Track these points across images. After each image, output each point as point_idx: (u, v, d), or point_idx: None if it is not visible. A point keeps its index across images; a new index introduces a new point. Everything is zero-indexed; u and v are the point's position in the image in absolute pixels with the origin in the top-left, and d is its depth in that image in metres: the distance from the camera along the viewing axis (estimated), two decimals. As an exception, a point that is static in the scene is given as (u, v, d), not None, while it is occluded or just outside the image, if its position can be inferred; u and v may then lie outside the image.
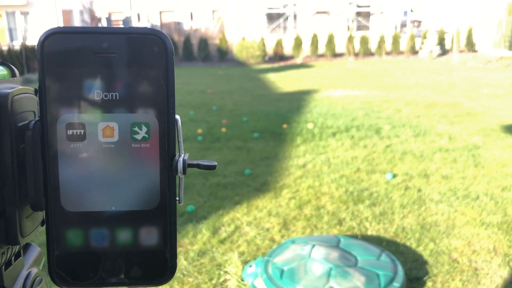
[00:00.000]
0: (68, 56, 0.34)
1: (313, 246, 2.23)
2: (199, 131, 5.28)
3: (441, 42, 16.51)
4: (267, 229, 2.76)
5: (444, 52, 16.46)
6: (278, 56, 16.30)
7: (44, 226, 0.36)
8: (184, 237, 2.63)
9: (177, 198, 0.37)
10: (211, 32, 21.03)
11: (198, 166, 0.38)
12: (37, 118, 0.35)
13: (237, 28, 19.89)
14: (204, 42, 16.27)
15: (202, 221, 2.85)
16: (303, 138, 4.95)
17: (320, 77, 11.25)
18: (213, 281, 2.20)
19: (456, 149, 4.45)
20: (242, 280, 2.20)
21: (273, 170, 3.92)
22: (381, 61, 15.60)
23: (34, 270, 0.41)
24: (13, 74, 0.38)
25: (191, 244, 2.56)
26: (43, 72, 0.34)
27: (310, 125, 5.45)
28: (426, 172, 3.79)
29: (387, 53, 16.85)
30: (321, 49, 16.82)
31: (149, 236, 0.36)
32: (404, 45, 17.14)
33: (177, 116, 0.36)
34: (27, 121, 0.35)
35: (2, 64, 0.38)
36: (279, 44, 16.34)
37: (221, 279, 2.22)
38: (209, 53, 16.38)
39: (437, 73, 11.62)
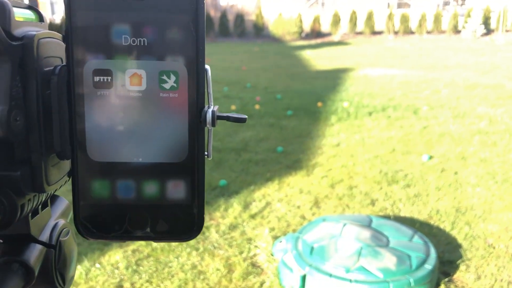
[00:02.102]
0: (95, 0, 0.33)
1: (344, 224, 2.21)
2: (233, 107, 5.28)
3: (486, 21, 15.85)
4: (298, 207, 2.75)
5: (488, 31, 15.81)
6: (315, 33, 16.04)
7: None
8: (216, 211, 2.66)
9: (206, 152, 0.36)
10: (247, 8, 20.84)
11: (228, 118, 0.36)
12: (63, 64, 0.34)
13: (274, 3, 19.64)
14: (240, 18, 16.16)
15: (233, 196, 2.87)
16: (337, 117, 4.89)
17: (358, 55, 11.03)
18: (243, 255, 2.22)
19: (496, 132, 4.30)
20: (272, 255, 2.21)
21: (306, 148, 3.90)
22: (421, 40, 15.14)
23: (61, 222, 0.41)
24: (41, 19, 0.38)
25: (222, 218, 2.59)
26: (69, 15, 0.33)
27: (345, 104, 5.37)
28: (464, 155, 3.68)
29: (428, 32, 16.32)
30: (360, 26, 16.44)
31: (176, 189, 0.35)
32: (446, 24, 16.54)
33: (207, 66, 0.35)
34: (52, 67, 0.34)
35: (30, 8, 0.37)
36: (316, 20, 16.06)
37: (251, 253, 2.24)
38: (245, 29, 16.28)
39: (480, 53, 11.20)
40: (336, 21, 15.93)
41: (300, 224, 2.51)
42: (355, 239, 2.07)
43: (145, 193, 0.35)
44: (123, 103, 0.34)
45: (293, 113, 5.06)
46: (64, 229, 0.41)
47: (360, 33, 16.38)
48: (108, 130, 0.34)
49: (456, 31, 16.29)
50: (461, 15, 16.88)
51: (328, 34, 16.18)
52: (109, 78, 0.34)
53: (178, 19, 0.34)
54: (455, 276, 2.07)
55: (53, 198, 0.43)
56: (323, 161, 3.56)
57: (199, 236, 2.37)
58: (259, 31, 16.23)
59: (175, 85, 0.34)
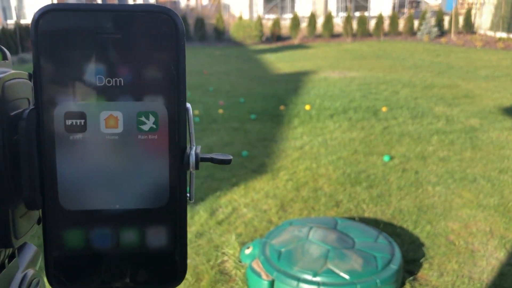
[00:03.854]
0: (66, 36, 0.30)
1: (311, 228, 2.23)
2: (196, 112, 5.25)
3: (439, 23, 16.38)
4: (265, 211, 2.76)
5: (442, 33, 16.34)
6: (276, 37, 16.15)
7: (41, 225, 0.34)
8: (182, 219, 2.63)
9: (188, 195, 0.34)
10: (207, 11, 20.79)
11: (212, 160, 0.35)
12: (31, 107, 0.32)
13: (234, 7, 19.68)
14: (200, 21, 16.09)
15: (199, 203, 2.84)
16: (300, 119, 4.93)
17: (318, 58, 11.17)
18: (211, 263, 2.20)
19: (453, 131, 4.45)
20: (240, 262, 2.20)
21: (270, 151, 3.91)
22: (379, 42, 15.50)
23: (30, 272, 0.38)
24: (4, 57, 0.35)
25: (188, 226, 2.56)
26: (38, 54, 0.31)
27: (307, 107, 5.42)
28: (424, 154, 3.78)
29: (385, 34, 16.72)
30: (319, 29, 16.67)
31: (157, 236, 0.34)
32: (402, 26, 17.00)
33: (188, 105, 0.34)
34: (20, 110, 0.32)
35: None
36: (276, 24, 16.18)
37: (219, 261, 2.23)
38: (205, 33, 16.21)
39: (435, 54, 11.57)
40: (295, 24, 16.07)
41: (267, 229, 2.51)
42: (322, 242, 2.09)
43: (123, 242, 0.33)
44: (98, 147, 0.32)
45: (256, 116, 5.08)
46: (34, 280, 0.38)
47: (319, 36, 16.59)
48: (82, 177, 0.32)
49: (412, 33, 16.75)
50: (416, 18, 17.38)
51: (288, 38, 16.31)
52: (83, 121, 0.31)
53: (157, 57, 0.32)
54: (419, 274, 2.12)
55: (20, 245, 0.39)
56: (288, 164, 3.58)
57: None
58: (220, 35, 16.19)
59: (154, 126, 0.32)
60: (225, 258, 2.25)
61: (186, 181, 0.34)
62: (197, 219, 2.63)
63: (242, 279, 2.07)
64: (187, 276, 2.08)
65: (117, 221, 0.33)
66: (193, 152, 0.33)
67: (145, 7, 0.31)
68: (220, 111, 5.35)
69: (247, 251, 2.21)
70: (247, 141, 4.19)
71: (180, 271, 0.35)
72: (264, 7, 20.32)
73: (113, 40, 0.31)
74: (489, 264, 2.21)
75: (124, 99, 0.32)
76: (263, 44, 15.44)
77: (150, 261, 0.34)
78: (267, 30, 16.46)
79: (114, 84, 0.31)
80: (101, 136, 0.32)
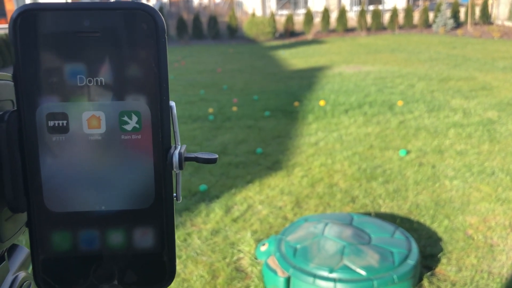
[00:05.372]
0: (45, 36, 0.30)
1: (326, 224, 2.22)
2: (210, 110, 5.26)
3: (455, 15, 16.14)
4: (280, 208, 2.75)
5: (458, 25, 16.10)
6: (289, 33, 16.08)
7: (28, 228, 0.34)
8: (197, 216, 2.64)
9: (175, 195, 0.34)
10: (220, 9, 20.80)
11: (197, 159, 0.34)
12: (14, 108, 0.32)
13: (247, 4, 19.66)
14: (213, 19, 16.10)
15: (214, 200, 2.85)
16: (315, 115, 4.91)
17: (332, 53, 11.10)
18: (227, 260, 2.20)
19: (470, 124, 4.38)
20: (256, 259, 2.20)
21: (285, 148, 3.90)
22: (393, 35, 15.33)
23: (22, 274, 0.38)
24: None
25: (204, 223, 2.57)
26: (17, 55, 0.30)
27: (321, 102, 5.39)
28: (440, 148, 3.74)
29: (400, 27, 16.53)
30: (333, 24, 16.56)
31: (144, 237, 0.33)
32: (417, 19, 16.79)
33: (172, 103, 0.33)
34: (1, 112, 0.32)
35: None
36: (289, 20, 16.11)
37: (235, 258, 2.23)
38: (218, 31, 16.22)
39: (451, 46, 11.40)
40: (309, 20, 15.98)
41: (282, 225, 2.51)
42: (338, 238, 2.07)
43: (110, 243, 0.33)
44: (82, 148, 0.32)
45: (270, 113, 5.07)
46: (25, 282, 0.38)
47: (333, 31, 16.48)
48: (67, 178, 0.32)
49: (427, 25, 16.53)
50: (431, 10, 17.15)
51: (302, 33, 16.23)
52: (65, 122, 0.31)
53: (137, 55, 0.31)
54: (437, 270, 2.09)
55: (11, 248, 0.40)
56: (303, 160, 3.57)
57: (181, 244, 2.34)
58: (233, 32, 16.19)
59: (137, 126, 0.32)
60: (241, 255, 2.25)
61: (172, 181, 0.34)
62: (212, 216, 2.64)
63: (258, 276, 2.07)
64: (203, 273, 2.09)
65: (103, 222, 0.33)
66: (176, 152, 0.33)
67: (123, 4, 0.31)
68: (234, 108, 5.35)
69: (263, 248, 2.21)
70: (261, 138, 4.19)
71: (168, 272, 0.35)
72: (277, 3, 20.24)
73: (92, 39, 0.31)
74: (509, 258, 2.17)
75: (105, 99, 0.32)
76: (276, 41, 15.39)
77: (138, 262, 0.34)
78: (280, 26, 16.41)
79: (95, 84, 0.31)
80: (84, 137, 0.32)
